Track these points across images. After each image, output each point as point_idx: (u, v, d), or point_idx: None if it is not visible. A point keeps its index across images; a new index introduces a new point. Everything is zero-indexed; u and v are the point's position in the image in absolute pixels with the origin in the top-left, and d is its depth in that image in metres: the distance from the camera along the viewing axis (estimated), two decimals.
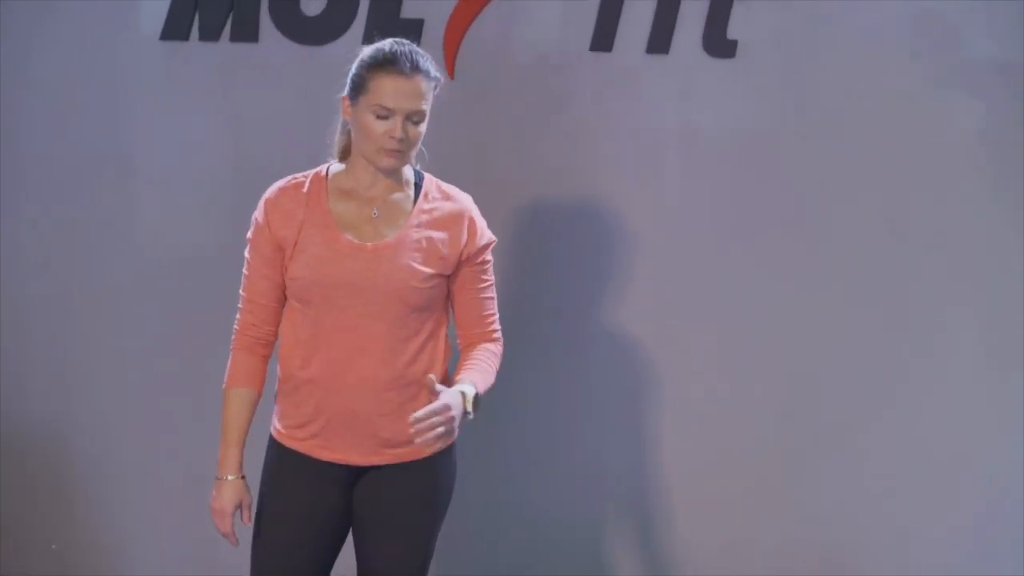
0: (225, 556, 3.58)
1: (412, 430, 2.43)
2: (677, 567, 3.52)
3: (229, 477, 2.66)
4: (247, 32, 3.44)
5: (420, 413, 2.43)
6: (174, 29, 3.45)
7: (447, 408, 2.45)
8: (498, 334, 2.74)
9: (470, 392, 2.55)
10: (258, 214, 2.64)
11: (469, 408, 2.55)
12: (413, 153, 2.58)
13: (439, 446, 2.51)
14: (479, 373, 2.63)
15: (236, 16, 3.44)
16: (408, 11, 3.39)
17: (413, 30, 3.32)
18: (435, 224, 2.62)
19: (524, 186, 3.41)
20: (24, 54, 3.52)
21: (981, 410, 3.41)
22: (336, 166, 2.67)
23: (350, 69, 2.58)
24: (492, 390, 2.67)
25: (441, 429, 2.44)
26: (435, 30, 3.37)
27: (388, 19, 3.37)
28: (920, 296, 3.39)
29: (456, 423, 2.49)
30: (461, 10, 3.39)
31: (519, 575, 3.57)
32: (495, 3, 3.40)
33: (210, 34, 3.45)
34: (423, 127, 2.56)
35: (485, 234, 2.68)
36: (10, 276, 3.60)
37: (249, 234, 2.66)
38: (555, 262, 3.46)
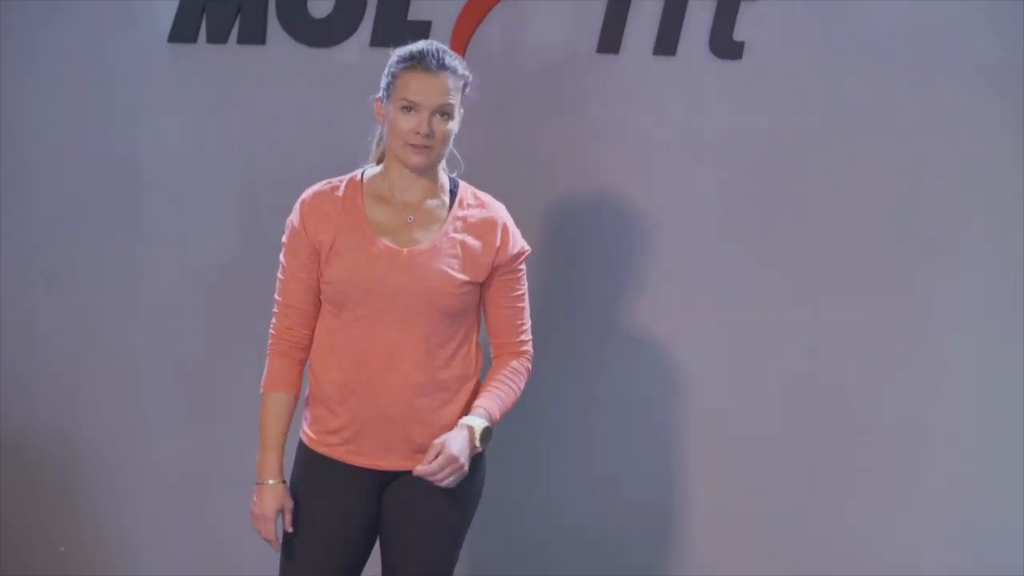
0: (230, 557, 3.61)
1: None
2: (693, 567, 3.53)
3: (270, 481, 2.64)
4: (255, 34, 3.44)
5: (425, 469, 2.52)
6: (182, 31, 3.46)
7: (453, 460, 2.52)
8: (528, 345, 2.75)
9: (479, 425, 2.59)
10: (294, 218, 2.64)
11: (477, 443, 2.58)
12: (443, 152, 2.60)
13: (454, 482, 2.56)
14: (496, 399, 2.65)
15: (244, 18, 3.44)
16: (415, 13, 3.39)
17: (420, 32, 3.31)
18: (469, 231, 2.64)
19: (531, 188, 3.40)
20: (29, 55, 3.51)
21: (985, 412, 3.41)
22: (371, 171, 2.68)
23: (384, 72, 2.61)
24: (516, 403, 2.71)
25: (451, 479, 2.54)
26: (442, 32, 3.37)
27: (395, 21, 3.37)
28: (926, 296, 3.38)
29: (466, 465, 2.55)
30: (468, 12, 3.39)
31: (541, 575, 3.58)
32: (502, 5, 3.40)
33: (218, 36, 3.45)
34: (452, 125, 2.57)
35: (518, 243, 2.69)
36: (14, 278, 3.60)
37: (284, 238, 2.66)
38: (561, 264, 3.46)
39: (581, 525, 3.55)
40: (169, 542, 3.66)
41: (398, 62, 2.57)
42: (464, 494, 2.68)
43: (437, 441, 2.54)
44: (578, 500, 3.55)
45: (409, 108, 2.53)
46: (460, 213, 2.64)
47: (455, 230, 2.63)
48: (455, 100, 2.56)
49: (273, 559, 2.75)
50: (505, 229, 2.66)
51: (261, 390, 2.68)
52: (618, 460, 3.53)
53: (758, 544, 3.51)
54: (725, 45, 3.36)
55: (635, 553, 3.55)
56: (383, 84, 2.60)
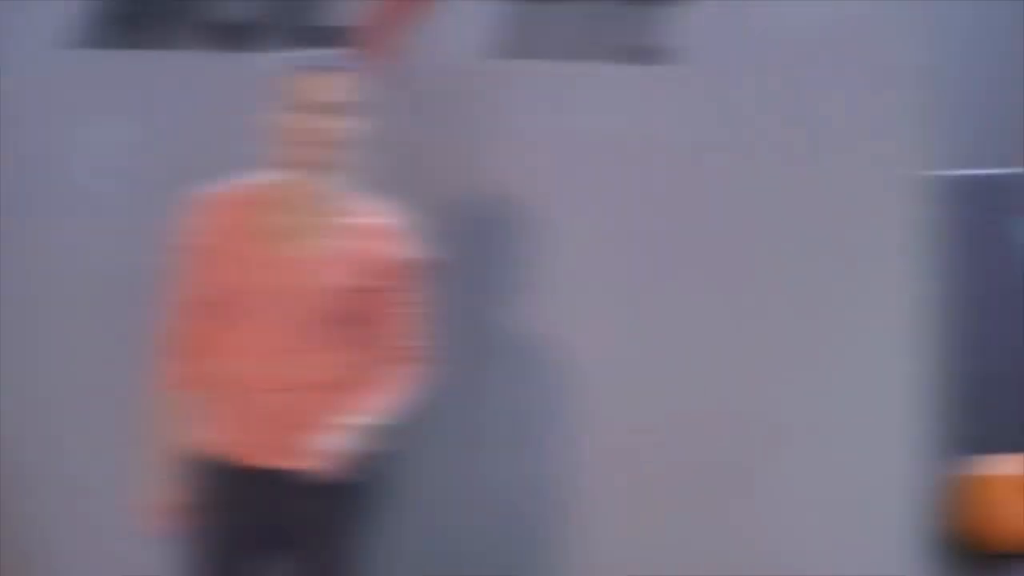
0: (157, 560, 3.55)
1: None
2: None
3: (163, 480, 2.70)
4: (166, 40, 3.45)
5: (296, 468, 2.59)
6: (90, 36, 3.46)
7: (321, 460, 2.59)
8: (417, 352, 2.79)
9: (351, 427, 2.63)
10: (187, 216, 2.69)
11: (350, 445, 2.63)
12: (333, 155, 2.65)
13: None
14: (374, 403, 2.69)
15: (155, 24, 3.45)
16: (329, 19, 3.41)
17: (335, 38, 3.32)
18: (359, 237, 2.67)
19: (443, 195, 3.39)
20: None
21: (876, 413, 3.42)
22: (267, 174, 2.72)
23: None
24: (403, 409, 2.74)
25: (322, 479, 2.60)
26: (356, 38, 3.36)
27: (309, 26, 3.39)
28: (844, 304, 3.39)
29: (336, 466, 2.60)
30: (383, 18, 3.40)
31: None
32: (416, 11, 3.40)
33: (128, 42, 3.46)
34: (342, 126, 2.63)
35: (410, 250, 2.74)
36: None
37: (178, 236, 2.71)
38: (476, 272, 3.45)
39: (490, 540, 3.51)
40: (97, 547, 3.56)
41: (289, 65, 2.66)
42: (348, 493, 2.69)
43: (309, 441, 2.59)
44: (462, 507, 3.51)
45: (296, 108, 2.60)
46: (351, 220, 2.68)
47: (345, 236, 2.66)
48: (344, 100, 2.62)
49: None
50: (396, 236, 2.71)
51: (157, 390, 2.74)
52: (505, 467, 3.49)
53: (650, 546, 3.47)
54: (646, 50, 3.36)
55: (519, 558, 3.53)
56: (278, 88, 2.66)
